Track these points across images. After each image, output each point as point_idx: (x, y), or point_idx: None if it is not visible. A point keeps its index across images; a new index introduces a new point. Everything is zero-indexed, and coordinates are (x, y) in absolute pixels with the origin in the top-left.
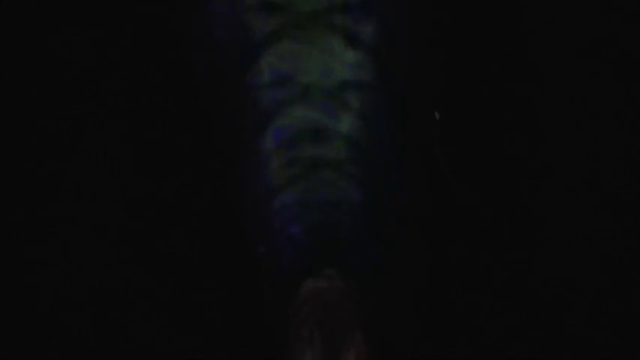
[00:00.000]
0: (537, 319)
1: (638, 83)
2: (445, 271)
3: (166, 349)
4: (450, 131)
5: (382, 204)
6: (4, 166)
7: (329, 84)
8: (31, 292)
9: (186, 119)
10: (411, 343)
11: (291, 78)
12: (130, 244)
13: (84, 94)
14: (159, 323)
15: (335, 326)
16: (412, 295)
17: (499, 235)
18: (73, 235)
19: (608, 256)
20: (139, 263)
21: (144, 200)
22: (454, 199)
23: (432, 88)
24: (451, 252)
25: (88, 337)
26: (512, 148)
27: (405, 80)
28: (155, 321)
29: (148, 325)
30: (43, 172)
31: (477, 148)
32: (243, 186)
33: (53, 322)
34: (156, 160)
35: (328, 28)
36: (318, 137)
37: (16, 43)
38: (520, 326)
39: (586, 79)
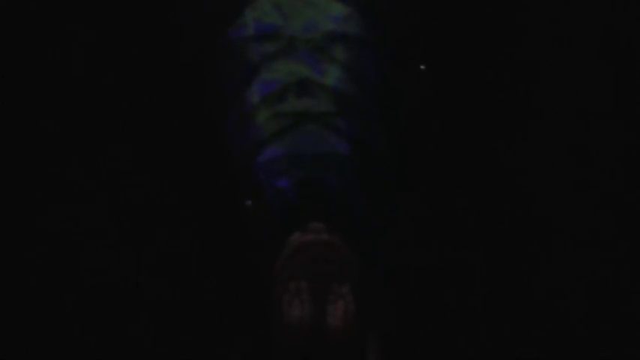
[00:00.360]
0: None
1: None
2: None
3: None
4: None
5: (369, 157)
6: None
7: (314, 37)
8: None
9: (173, 74)
10: (394, 296)
11: (276, 31)
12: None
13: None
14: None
15: (322, 278)
16: (396, 246)
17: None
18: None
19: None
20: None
21: (135, 152)
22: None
23: (418, 39)
24: (436, 206)
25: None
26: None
27: (391, 32)
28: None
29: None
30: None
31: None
32: (230, 140)
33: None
34: (145, 115)
35: None
36: (304, 90)
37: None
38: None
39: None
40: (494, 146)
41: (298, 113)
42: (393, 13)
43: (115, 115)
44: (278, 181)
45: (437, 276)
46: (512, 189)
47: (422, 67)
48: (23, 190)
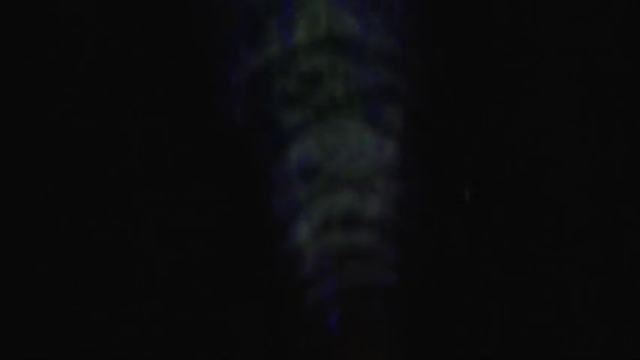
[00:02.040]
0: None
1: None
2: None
3: None
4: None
5: (417, 288)
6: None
7: (357, 170)
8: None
9: (216, 215)
10: None
11: (319, 167)
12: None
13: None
14: None
15: None
16: None
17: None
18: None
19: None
20: None
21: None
22: (486, 276)
23: (460, 169)
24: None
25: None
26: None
27: (433, 162)
28: None
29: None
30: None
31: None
32: (276, 281)
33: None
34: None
35: (352, 114)
36: (349, 224)
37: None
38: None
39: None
40: None
41: (344, 248)
42: (431, 142)
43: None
44: (327, 319)
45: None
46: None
47: (466, 194)
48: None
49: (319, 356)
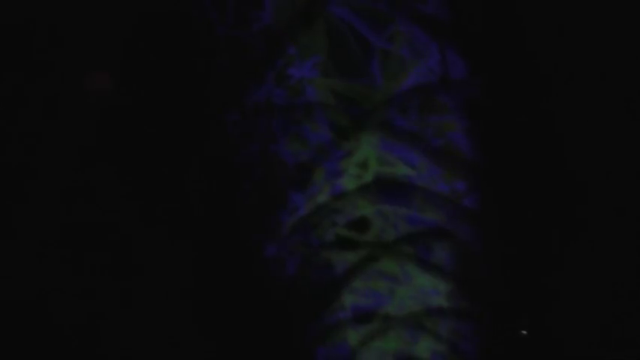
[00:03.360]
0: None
1: None
2: None
3: None
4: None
5: None
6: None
7: (411, 313)
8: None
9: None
10: None
11: (374, 311)
12: None
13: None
14: None
15: None
16: None
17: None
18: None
19: None
20: None
21: None
22: None
23: (513, 310)
24: None
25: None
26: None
27: (486, 304)
28: None
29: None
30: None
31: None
32: None
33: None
34: None
35: (403, 257)
36: None
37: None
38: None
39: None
40: None
41: None
42: (483, 281)
43: None
44: None
45: None
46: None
47: (524, 332)
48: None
49: None
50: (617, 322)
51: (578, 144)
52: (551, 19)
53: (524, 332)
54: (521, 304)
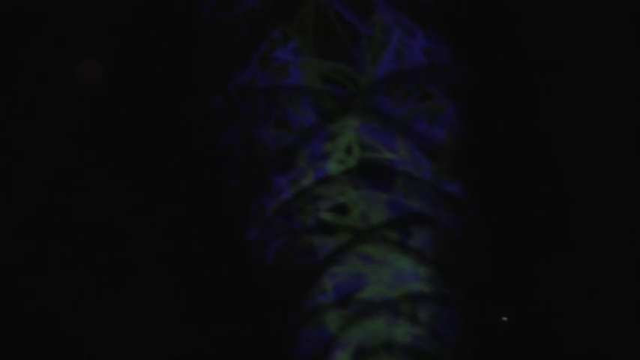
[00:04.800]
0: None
1: None
2: None
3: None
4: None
5: None
6: None
7: (392, 297)
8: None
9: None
10: None
11: (355, 295)
12: None
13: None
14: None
15: None
16: None
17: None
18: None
19: None
20: None
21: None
22: None
23: (491, 287)
24: None
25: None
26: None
27: (469, 293)
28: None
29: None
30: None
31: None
32: None
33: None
34: None
35: (387, 243)
36: (385, 350)
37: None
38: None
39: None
40: None
41: None
42: (466, 268)
43: None
44: None
45: None
46: None
47: (504, 318)
48: None
49: None
50: (601, 311)
51: (566, 131)
52: (540, 5)
53: (505, 319)
54: (504, 292)
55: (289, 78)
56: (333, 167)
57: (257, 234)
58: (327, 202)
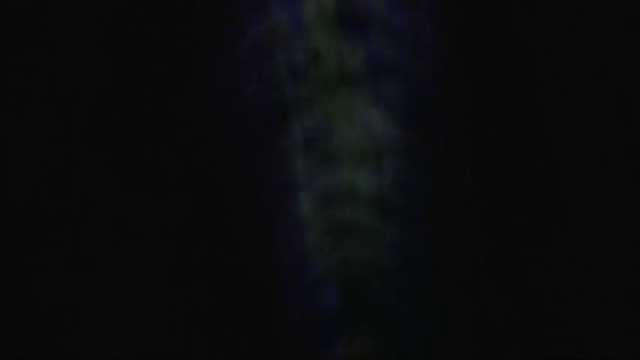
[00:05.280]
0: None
1: None
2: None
3: None
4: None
5: (419, 270)
6: None
7: (361, 147)
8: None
9: (215, 188)
10: None
11: (322, 142)
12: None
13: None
14: None
15: None
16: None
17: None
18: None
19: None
20: None
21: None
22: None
23: (465, 148)
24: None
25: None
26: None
27: (438, 141)
28: None
29: None
30: None
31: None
32: (274, 254)
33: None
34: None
35: (357, 91)
36: (350, 201)
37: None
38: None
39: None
40: None
41: (344, 225)
42: (437, 120)
43: None
44: (324, 296)
45: None
46: None
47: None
48: None
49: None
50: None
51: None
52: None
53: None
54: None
55: None
56: (309, 14)
57: (229, 70)
58: (300, 49)
